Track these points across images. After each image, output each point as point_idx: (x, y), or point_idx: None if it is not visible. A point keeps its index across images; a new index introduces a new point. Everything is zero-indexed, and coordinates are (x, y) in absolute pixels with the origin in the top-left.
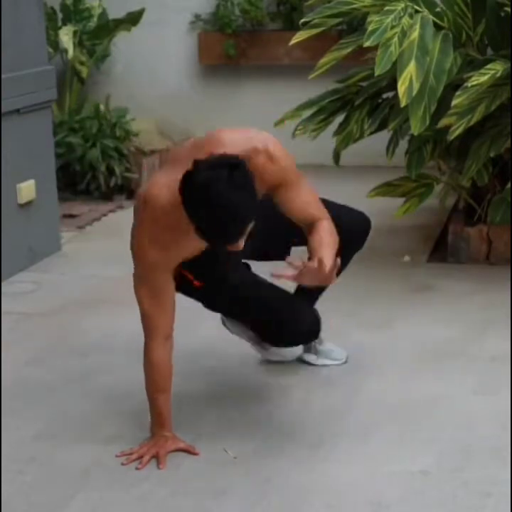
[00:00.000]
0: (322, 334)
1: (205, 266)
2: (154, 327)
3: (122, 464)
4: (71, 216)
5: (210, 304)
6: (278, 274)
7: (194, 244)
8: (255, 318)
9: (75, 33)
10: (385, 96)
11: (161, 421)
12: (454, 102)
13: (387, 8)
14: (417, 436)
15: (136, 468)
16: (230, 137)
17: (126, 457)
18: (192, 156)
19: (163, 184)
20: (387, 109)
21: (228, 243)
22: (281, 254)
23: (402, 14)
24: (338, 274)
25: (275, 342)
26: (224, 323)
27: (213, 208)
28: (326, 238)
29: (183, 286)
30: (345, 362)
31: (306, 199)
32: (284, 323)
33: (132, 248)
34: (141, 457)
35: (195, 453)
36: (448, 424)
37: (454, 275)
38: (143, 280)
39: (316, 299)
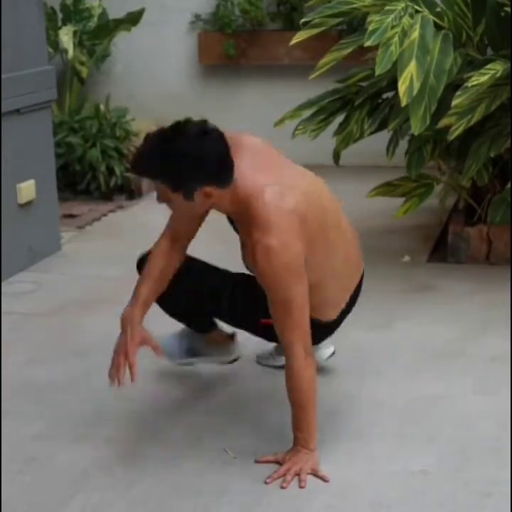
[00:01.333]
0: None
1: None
2: (168, 226)
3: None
4: (71, 216)
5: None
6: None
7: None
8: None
9: (75, 33)
10: (385, 96)
11: (133, 301)
12: (454, 102)
13: (387, 8)
14: (417, 436)
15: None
16: (265, 206)
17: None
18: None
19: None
20: (387, 109)
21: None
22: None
23: (402, 14)
24: None
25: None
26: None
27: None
28: (310, 408)
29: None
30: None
31: (278, 316)
32: None
33: None
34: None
35: (159, 353)
36: (448, 424)
37: (454, 275)
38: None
39: None
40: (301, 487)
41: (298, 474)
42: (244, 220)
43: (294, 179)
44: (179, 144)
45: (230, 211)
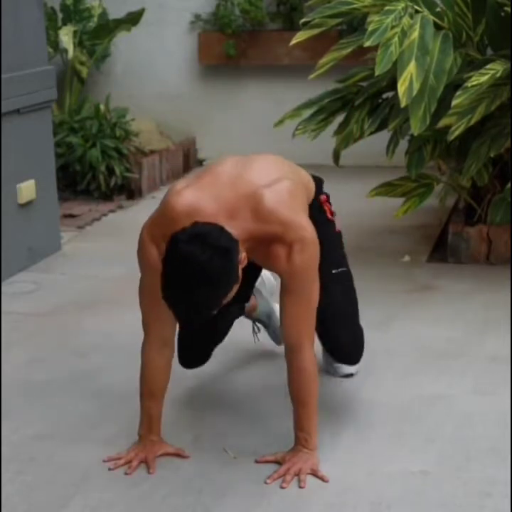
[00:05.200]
0: None
1: None
2: (152, 332)
3: (109, 470)
4: (71, 216)
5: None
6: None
7: None
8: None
9: (75, 33)
10: (385, 96)
11: (149, 425)
12: (454, 102)
13: (387, 8)
14: (417, 436)
15: (125, 474)
16: (273, 209)
17: (114, 462)
18: (228, 187)
19: (188, 196)
20: (387, 109)
21: (180, 321)
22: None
23: (402, 14)
24: None
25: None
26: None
27: (175, 289)
28: (313, 408)
29: None
30: (348, 376)
31: (296, 316)
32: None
33: (138, 246)
34: (129, 462)
35: (186, 456)
36: (448, 424)
37: (454, 275)
38: (144, 284)
39: None
40: (300, 487)
41: (297, 474)
42: (267, 240)
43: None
44: (212, 269)
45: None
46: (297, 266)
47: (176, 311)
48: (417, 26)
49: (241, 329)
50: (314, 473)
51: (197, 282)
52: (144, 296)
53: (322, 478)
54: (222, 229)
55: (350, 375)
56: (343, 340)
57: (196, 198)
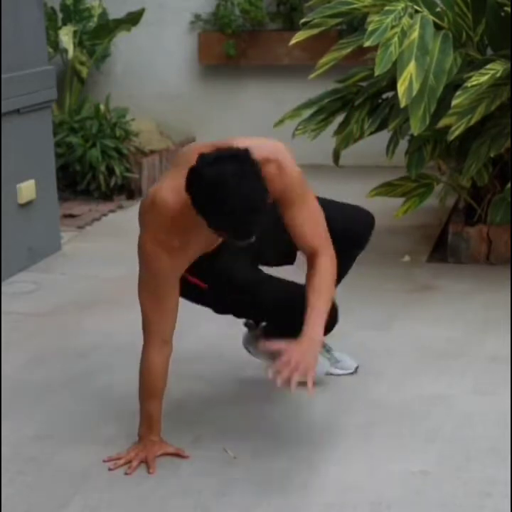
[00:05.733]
0: (329, 342)
1: (210, 268)
2: (153, 332)
3: (109, 470)
4: (71, 216)
5: (219, 307)
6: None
7: (201, 248)
8: (266, 314)
9: (75, 33)
10: (385, 96)
11: (149, 425)
12: (454, 102)
13: (387, 8)
14: (417, 436)
15: (125, 474)
16: (240, 143)
17: (114, 462)
18: None
19: (169, 187)
20: (387, 109)
21: (246, 236)
22: (281, 264)
23: (402, 14)
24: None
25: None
26: (246, 347)
27: (226, 204)
28: (323, 297)
29: (190, 292)
30: (354, 372)
31: (307, 222)
32: (295, 312)
33: (139, 252)
34: (129, 462)
35: (186, 456)
36: (448, 424)
37: (454, 275)
38: (147, 285)
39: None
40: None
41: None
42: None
43: None
44: (245, 173)
45: None
46: (292, 176)
47: (237, 218)
48: (417, 26)
49: (241, 330)
50: (306, 375)
51: (238, 183)
52: (145, 295)
53: (310, 388)
54: (235, 148)
55: (351, 373)
56: (351, 213)
57: (182, 187)
